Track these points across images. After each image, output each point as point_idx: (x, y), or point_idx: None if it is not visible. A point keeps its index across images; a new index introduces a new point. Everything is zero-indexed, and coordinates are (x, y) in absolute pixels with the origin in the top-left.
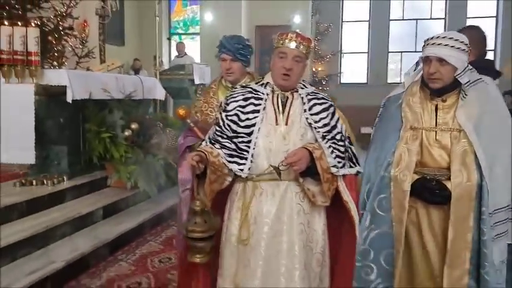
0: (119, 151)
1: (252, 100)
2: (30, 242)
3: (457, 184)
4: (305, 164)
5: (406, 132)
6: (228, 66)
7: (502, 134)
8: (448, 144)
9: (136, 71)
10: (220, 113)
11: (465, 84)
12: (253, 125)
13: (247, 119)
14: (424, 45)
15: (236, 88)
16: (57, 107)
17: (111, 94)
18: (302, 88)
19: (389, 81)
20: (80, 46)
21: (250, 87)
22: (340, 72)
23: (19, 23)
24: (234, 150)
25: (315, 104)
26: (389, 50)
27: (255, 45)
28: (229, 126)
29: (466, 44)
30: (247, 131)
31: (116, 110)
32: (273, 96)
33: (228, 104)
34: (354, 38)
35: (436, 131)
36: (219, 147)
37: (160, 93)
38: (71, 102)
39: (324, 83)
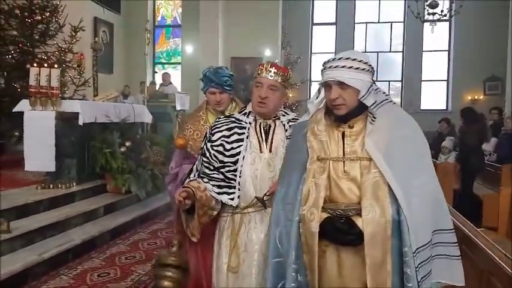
0: (116, 163)
1: (236, 129)
2: (54, 227)
3: (369, 221)
4: None
5: (313, 164)
6: (219, 99)
7: (415, 161)
8: (358, 176)
9: (125, 97)
10: (206, 144)
11: (371, 106)
12: (238, 153)
13: (232, 148)
14: (322, 70)
15: (220, 118)
16: (69, 129)
17: (110, 118)
18: (283, 115)
19: None
20: (78, 76)
21: (234, 117)
22: (309, 99)
23: (45, 65)
24: (222, 180)
25: None
26: None
27: None
28: (215, 156)
29: (366, 63)
30: (232, 159)
31: (114, 131)
32: (255, 125)
33: (212, 134)
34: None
35: (343, 161)
36: (207, 180)
37: (148, 118)
38: (82, 125)
39: (293, 108)
